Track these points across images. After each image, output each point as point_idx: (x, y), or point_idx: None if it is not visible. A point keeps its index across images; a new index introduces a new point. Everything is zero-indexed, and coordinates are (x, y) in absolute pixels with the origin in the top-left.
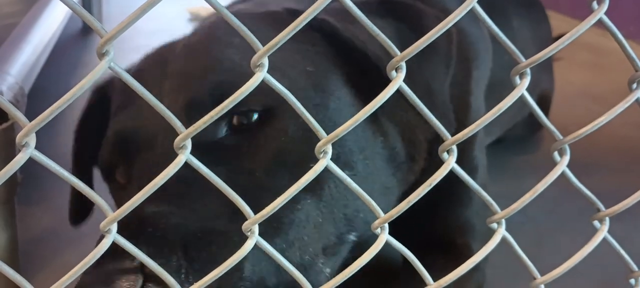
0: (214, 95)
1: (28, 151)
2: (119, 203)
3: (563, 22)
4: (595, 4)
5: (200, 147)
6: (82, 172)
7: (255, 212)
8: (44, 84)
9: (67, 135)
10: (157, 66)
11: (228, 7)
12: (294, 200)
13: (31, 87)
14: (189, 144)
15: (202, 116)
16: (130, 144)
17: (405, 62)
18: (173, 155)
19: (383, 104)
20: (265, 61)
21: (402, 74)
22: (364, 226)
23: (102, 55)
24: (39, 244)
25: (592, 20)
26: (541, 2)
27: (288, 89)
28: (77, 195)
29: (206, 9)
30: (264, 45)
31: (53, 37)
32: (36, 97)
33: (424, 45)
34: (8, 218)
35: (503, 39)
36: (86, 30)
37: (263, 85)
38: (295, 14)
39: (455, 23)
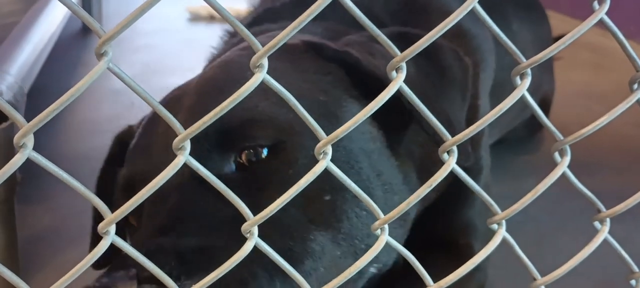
0: (221, 129)
1: (26, 152)
2: (133, 245)
3: (563, 22)
4: (596, 4)
5: (206, 182)
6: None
7: (268, 246)
8: (43, 83)
9: (64, 135)
10: (172, 102)
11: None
12: (309, 235)
13: (31, 87)
14: (188, 145)
15: (209, 150)
16: (140, 187)
17: (425, 94)
18: (180, 186)
19: (400, 140)
20: (265, 62)
21: (402, 74)
22: (387, 257)
23: (100, 55)
24: (39, 243)
25: (592, 20)
26: (541, 3)
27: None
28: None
29: (206, 8)
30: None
31: (53, 36)
32: (36, 96)
33: (426, 44)
34: (7, 218)
35: (504, 39)
36: (86, 30)
37: (272, 120)
38: (314, 46)
39: (461, 25)
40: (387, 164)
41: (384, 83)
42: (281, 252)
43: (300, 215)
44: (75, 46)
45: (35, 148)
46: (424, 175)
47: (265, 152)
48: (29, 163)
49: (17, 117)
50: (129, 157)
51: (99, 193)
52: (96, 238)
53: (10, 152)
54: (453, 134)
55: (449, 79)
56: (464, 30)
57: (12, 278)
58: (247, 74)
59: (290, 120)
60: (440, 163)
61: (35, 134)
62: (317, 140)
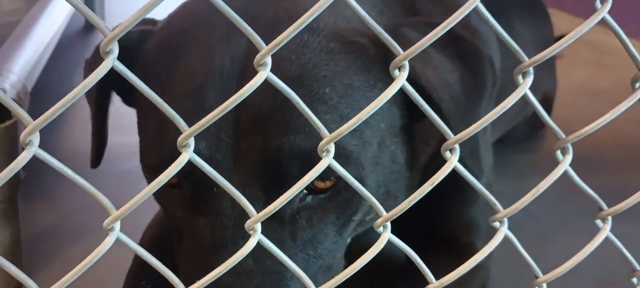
0: (300, 170)
1: (32, 149)
2: (159, 197)
3: (566, 21)
4: (598, 3)
5: (280, 216)
6: (102, 115)
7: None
8: (47, 81)
9: (68, 132)
10: (224, 66)
11: None
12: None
13: (34, 85)
14: (192, 142)
15: (283, 186)
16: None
17: (464, 108)
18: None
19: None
20: (268, 60)
21: (405, 72)
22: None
23: (106, 53)
24: (42, 241)
25: (594, 19)
26: (543, 2)
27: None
28: (98, 139)
29: None
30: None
31: (56, 34)
32: (39, 94)
33: (428, 44)
34: (11, 215)
35: (506, 38)
36: (89, 28)
37: (348, 154)
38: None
39: (469, 22)
40: (397, 171)
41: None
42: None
43: (334, 235)
44: (78, 44)
45: (39, 146)
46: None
47: (331, 179)
48: (32, 160)
49: (23, 115)
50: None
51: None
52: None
53: (14, 150)
54: (474, 148)
55: (482, 95)
56: (472, 27)
57: (17, 274)
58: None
59: (359, 155)
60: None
61: (39, 131)
62: (377, 178)
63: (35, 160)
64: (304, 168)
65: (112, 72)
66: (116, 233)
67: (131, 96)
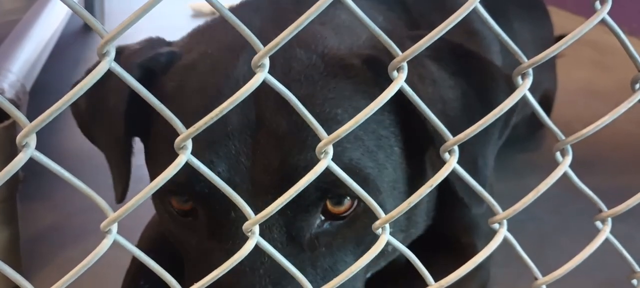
0: (317, 187)
1: (28, 151)
2: (168, 222)
3: (567, 20)
4: (598, 4)
5: (299, 240)
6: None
7: None
8: (45, 81)
9: (66, 132)
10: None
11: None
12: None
13: (33, 84)
14: (189, 144)
15: (300, 205)
16: (208, 187)
17: (458, 128)
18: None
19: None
20: (266, 62)
21: (403, 74)
22: None
23: (103, 55)
24: (41, 241)
25: (594, 20)
26: (543, 2)
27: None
28: (121, 178)
29: (208, 5)
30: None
31: (55, 34)
32: (38, 94)
33: (428, 43)
34: (9, 216)
35: (505, 39)
36: (88, 27)
37: (360, 171)
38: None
39: (472, 25)
40: (405, 196)
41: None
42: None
43: (352, 259)
44: (77, 44)
45: (37, 147)
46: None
47: (346, 200)
48: (31, 161)
49: (20, 116)
50: (199, 141)
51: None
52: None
53: (12, 150)
54: (476, 178)
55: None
56: (475, 30)
57: (14, 277)
58: (330, 95)
59: (375, 177)
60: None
61: (37, 132)
62: (395, 202)
63: (34, 161)
64: (319, 186)
65: (132, 118)
66: (113, 236)
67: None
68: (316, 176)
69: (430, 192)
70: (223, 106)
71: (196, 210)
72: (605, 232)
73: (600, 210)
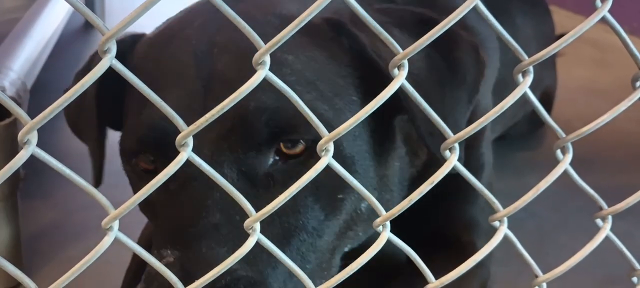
0: (267, 124)
1: (30, 149)
2: (138, 187)
3: (567, 19)
4: (598, 2)
5: (252, 178)
6: (99, 133)
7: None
8: (46, 79)
9: (68, 131)
10: (199, 50)
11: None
12: (321, 228)
13: (34, 83)
14: (190, 141)
15: (250, 143)
16: (161, 140)
17: (429, 88)
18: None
19: (391, 127)
20: (267, 59)
21: (404, 71)
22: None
23: (104, 52)
24: (43, 239)
25: (595, 18)
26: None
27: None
28: (99, 158)
29: None
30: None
31: (55, 32)
32: (39, 92)
33: (427, 43)
34: (11, 214)
35: (506, 37)
36: (89, 25)
37: (321, 120)
38: (336, 27)
39: (466, 22)
40: (380, 153)
41: (384, 76)
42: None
43: (318, 215)
44: (78, 42)
45: (38, 145)
46: (409, 140)
47: (301, 144)
48: (32, 159)
49: (21, 113)
50: (145, 102)
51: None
52: None
53: (13, 148)
54: (444, 137)
55: (460, 78)
56: (469, 27)
57: (16, 273)
58: (288, 57)
59: (331, 119)
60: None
61: (38, 130)
62: (353, 146)
63: (35, 159)
64: (269, 124)
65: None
66: (115, 233)
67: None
68: (317, 172)
69: (401, 159)
70: (224, 104)
71: (157, 168)
72: (605, 229)
73: (601, 208)
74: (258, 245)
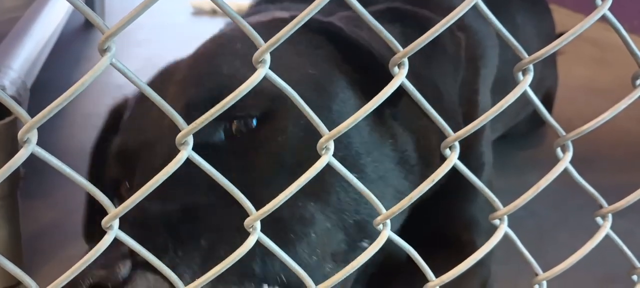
0: (212, 97)
1: (30, 147)
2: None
3: (567, 17)
4: (598, 0)
5: (195, 147)
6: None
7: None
8: (46, 78)
9: (68, 129)
10: (165, 77)
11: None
12: (298, 202)
13: (34, 81)
14: (190, 140)
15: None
16: (131, 156)
17: (413, 64)
18: (172, 156)
19: (396, 110)
20: (267, 57)
21: (404, 70)
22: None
23: (103, 51)
24: (43, 238)
25: (595, 16)
26: None
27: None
28: (90, 214)
29: (209, 2)
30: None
31: (55, 31)
32: (39, 91)
33: (427, 42)
34: (11, 213)
35: (506, 35)
36: (89, 24)
37: (263, 89)
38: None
39: (463, 21)
40: (379, 144)
41: (367, 52)
42: (276, 220)
43: (287, 184)
44: (78, 41)
45: (38, 143)
46: (423, 150)
47: (254, 122)
48: (32, 158)
49: (21, 112)
50: (124, 125)
51: (94, 164)
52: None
53: (14, 147)
54: (442, 107)
55: (440, 50)
56: (466, 25)
57: (15, 272)
58: (236, 45)
59: (309, 98)
60: (435, 136)
61: (38, 129)
62: (358, 157)
63: (35, 158)
64: (213, 98)
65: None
66: (115, 232)
67: None
68: (317, 171)
69: (413, 169)
70: (225, 101)
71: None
72: (605, 227)
73: (601, 206)
74: None
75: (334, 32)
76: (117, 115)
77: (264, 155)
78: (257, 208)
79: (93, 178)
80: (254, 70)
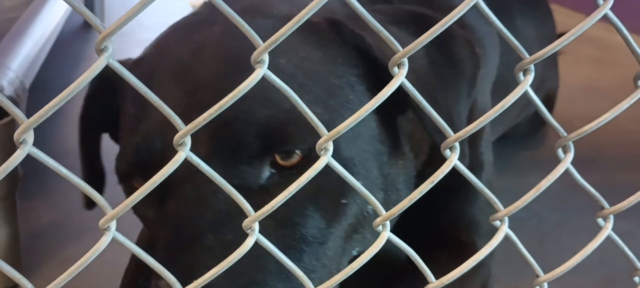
0: (261, 135)
1: (26, 148)
2: (134, 208)
3: (568, 17)
4: (600, 0)
5: (246, 191)
6: (90, 150)
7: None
8: (45, 78)
9: (67, 129)
10: (195, 48)
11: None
12: (325, 236)
13: (32, 82)
14: (188, 141)
15: (241, 156)
16: (148, 159)
17: (431, 87)
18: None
19: (396, 126)
20: (266, 57)
21: (404, 70)
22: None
23: (101, 51)
24: (41, 239)
25: (597, 16)
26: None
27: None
28: (88, 179)
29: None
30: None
31: (54, 31)
32: (38, 91)
33: (426, 42)
34: (9, 213)
35: (507, 35)
36: (88, 25)
37: (309, 125)
38: (335, 26)
39: (465, 20)
40: (383, 153)
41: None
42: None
43: (320, 223)
44: (76, 41)
45: (36, 144)
46: (410, 141)
47: (296, 154)
48: (30, 158)
49: (17, 113)
50: (133, 121)
51: (84, 130)
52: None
53: (12, 147)
54: (453, 130)
55: (458, 73)
56: (466, 25)
57: (13, 275)
58: (280, 61)
59: (326, 121)
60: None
61: (36, 129)
62: (352, 148)
63: (33, 159)
64: (260, 136)
65: (100, 113)
66: (112, 233)
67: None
68: (317, 172)
69: (405, 157)
70: (221, 103)
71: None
72: (607, 229)
73: (602, 207)
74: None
75: (363, 50)
76: (104, 80)
77: (302, 194)
78: (296, 245)
79: (85, 146)
80: (303, 98)
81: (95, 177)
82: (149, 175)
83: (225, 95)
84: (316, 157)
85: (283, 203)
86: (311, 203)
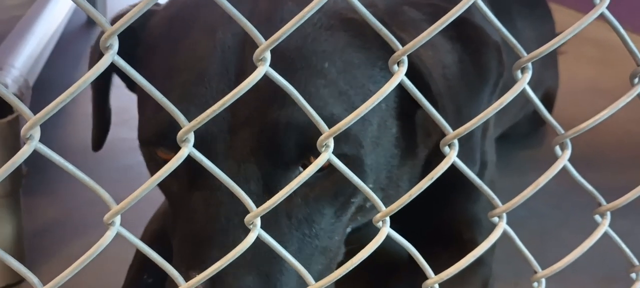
0: (297, 142)
1: (32, 144)
2: (153, 171)
3: (568, 16)
4: None
5: (275, 192)
6: (101, 90)
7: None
8: (48, 76)
9: (72, 126)
10: (225, 43)
11: None
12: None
13: (36, 80)
14: (191, 137)
15: (279, 160)
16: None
17: (460, 97)
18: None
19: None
20: (268, 55)
21: (404, 68)
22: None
23: (106, 49)
24: (45, 235)
25: (593, 15)
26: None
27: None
28: (98, 122)
29: None
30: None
31: (58, 29)
32: (41, 89)
33: (425, 41)
34: (13, 210)
35: (505, 33)
36: (91, 22)
37: (348, 132)
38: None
39: (473, 21)
40: (396, 156)
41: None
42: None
43: (332, 226)
44: (80, 39)
45: (41, 141)
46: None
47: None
48: (34, 155)
49: (24, 109)
50: (167, 86)
51: (98, 92)
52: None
53: (16, 144)
54: (468, 135)
55: (484, 81)
56: (476, 26)
57: (19, 269)
58: (325, 66)
59: (358, 133)
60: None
61: (41, 126)
62: (372, 155)
63: (37, 155)
64: (300, 142)
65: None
66: (116, 228)
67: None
68: (317, 168)
69: (413, 163)
70: (227, 98)
71: None
72: (604, 226)
73: (599, 204)
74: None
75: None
76: (127, 29)
77: (327, 196)
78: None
79: (97, 86)
80: (341, 105)
81: (103, 119)
82: (178, 148)
83: (270, 93)
84: (344, 162)
85: (305, 204)
86: (328, 203)
